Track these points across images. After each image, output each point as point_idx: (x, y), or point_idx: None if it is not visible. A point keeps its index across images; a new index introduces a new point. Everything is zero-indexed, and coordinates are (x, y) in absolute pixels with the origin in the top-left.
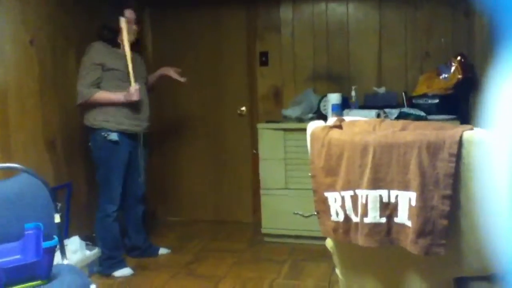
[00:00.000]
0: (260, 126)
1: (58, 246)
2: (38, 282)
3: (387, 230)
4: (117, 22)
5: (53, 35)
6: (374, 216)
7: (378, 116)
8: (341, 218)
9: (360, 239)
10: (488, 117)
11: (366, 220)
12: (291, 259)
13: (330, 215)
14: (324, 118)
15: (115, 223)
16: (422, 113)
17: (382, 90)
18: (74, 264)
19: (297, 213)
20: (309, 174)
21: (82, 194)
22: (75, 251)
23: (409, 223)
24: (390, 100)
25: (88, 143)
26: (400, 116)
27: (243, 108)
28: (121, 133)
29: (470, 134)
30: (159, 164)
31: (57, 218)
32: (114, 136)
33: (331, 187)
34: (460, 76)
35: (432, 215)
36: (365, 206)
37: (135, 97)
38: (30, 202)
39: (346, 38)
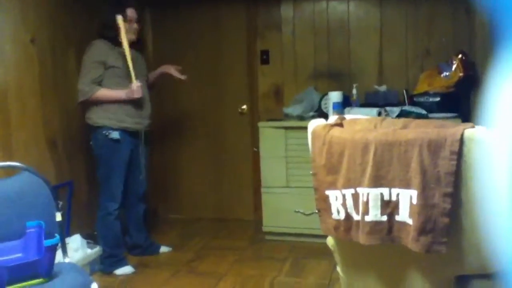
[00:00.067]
0: (261, 124)
1: (59, 244)
2: (40, 280)
3: (388, 228)
4: (115, 21)
5: (53, 34)
6: (375, 214)
7: (379, 114)
8: (342, 216)
9: (361, 237)
10: (489, 115)
11: (367, 218)
12: (292, 257)
13: (331, 213)
14: (325, 116)
15: (116, 221)
16: (423, 111)
17: (383, 88)
18: (76, 262)
19: (298, 211)
20: (310, 172)
21: (83, 193)
22: (77, 249)
23: (410, 221)
24: (391, 98)
25: (90, 141)
26: (401, 114)
27: (244, 107)
28: (123, 131)
29: (471, 132)
30: (160, 162)
31: (58, 217)
32: (115, 135)
33: (332, 185)
34: (461, 74)
35: (433, 213)
36: (366, 204)
37: (137, 94)
38: (32, 200)
39: (347, 36)
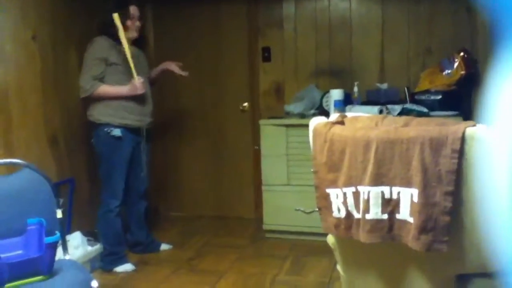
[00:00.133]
0: (262, 122)
1: (60, 242)
2: (40, 277)
3: (389, 227)
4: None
5: (54, 31)
6: (376, 212)
7: (381, 112)
8: (342, 214)
9: (362, 236)
10: (491, 113)
11: (368, 216)
12: (293, 255)
13: (332, 211)
14: (327, 114)
15: (117, 219)
16: (425, 109)
17: (384, 86)
18: (76, 260)
19: (298, 209)
20: (311, 170)
21: (84, 190)
22: (77, 247)
23: (411, 220)
24: (393, 96)
25: (91, 139)
26: (403, 112)
27: (245, 104)
28: (124, 128)
29: (472, 130)
30: (161, 159)
31: (59, 214)
32: (117, 132)
33: (333, 183)
34: (463, 72)
35: (434, 211)
36: (367, 202)
37: (140, 90)
38: (33, 197)
39: (348, 34)
